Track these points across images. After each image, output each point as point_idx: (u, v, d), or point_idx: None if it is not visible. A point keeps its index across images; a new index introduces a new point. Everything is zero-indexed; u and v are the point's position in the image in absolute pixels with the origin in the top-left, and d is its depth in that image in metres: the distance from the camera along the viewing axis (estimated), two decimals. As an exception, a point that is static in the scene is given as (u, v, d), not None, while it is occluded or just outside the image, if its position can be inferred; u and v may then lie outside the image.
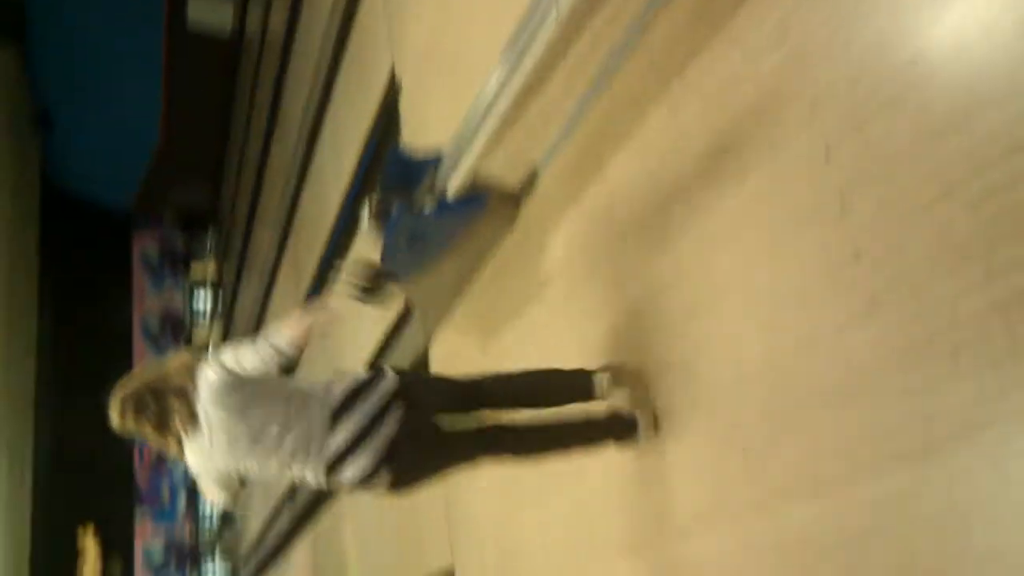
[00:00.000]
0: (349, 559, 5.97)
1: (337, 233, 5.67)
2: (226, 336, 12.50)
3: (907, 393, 1.55)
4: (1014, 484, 1.37)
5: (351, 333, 5.47)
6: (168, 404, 2.26)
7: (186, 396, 2.25)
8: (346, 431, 2.18)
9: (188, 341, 13.81)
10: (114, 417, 2.31)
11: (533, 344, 3.05)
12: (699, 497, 2.13)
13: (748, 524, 1.95)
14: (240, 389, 2.23)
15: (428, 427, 2.28)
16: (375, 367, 2.83)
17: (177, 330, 13.81)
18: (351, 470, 2.19)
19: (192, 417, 2.24)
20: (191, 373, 2.27)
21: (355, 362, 5.19)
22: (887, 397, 1.60)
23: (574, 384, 2.41)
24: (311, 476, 2.25)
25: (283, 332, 2.31)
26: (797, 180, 1.80)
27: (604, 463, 2.54)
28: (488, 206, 2.96)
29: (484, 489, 3.46)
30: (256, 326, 9.68)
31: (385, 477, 2.20)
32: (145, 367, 2.47)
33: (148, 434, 2.31)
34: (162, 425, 2.28)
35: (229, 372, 2.23)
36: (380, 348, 4.74)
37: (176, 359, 2.38)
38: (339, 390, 2.22)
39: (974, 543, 1.45)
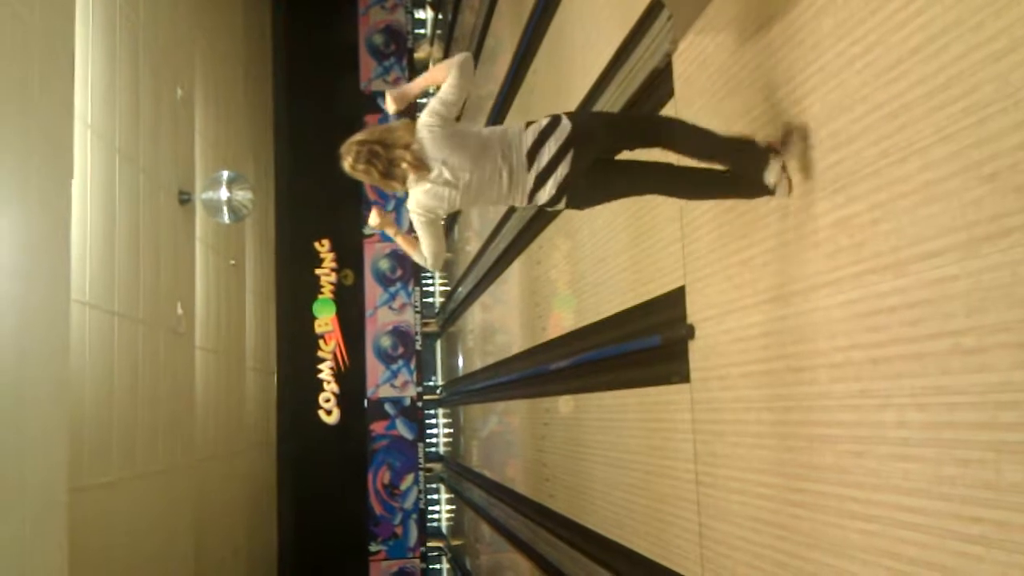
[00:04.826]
0: (560, 280, 6.16)
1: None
2: (446, 55, 12.54)
3: None
4: None
5: (585, 37, 5.27)
6: (395, 155, 2.84)
7: (410, 147, 2.83)
8: (536, 169, 2.83)
9: (411, 57, 14.00)
10: (346, 162, 2.90)
11: (799, 46, 2.76)
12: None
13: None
14: (451, 126, 2.86)
15: (594, 163, 2.85)
16: (554, 116, 2.89)
17: (400, 45, 14.00)
18: (542, 196, 2.88)
19: (419, 163, 2.84)
20: (412, 131, 2.85)
21: (588, 69, 5.02)
22: None
23: (744, 155, 2.84)
24: (517, 200, 2.94)
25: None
26: None
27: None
28: None
29: (717, 206, 3.36)
30: (478, 45, 9.60)
31: (565, 201, 2.90)
32: (372, 127, 3.00)
33: (375, 178, 2.90)
34: (388, 173, 2.87)
35: (441, 115, 2.85)
36: (618, 53, 4.51)
37: (400, 123, 2.91)
38: (530, 139, 2.85)
39: None
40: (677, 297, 3.82)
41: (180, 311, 7.45)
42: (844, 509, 2.51)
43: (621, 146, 2.99)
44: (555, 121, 2.86)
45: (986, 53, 1.95)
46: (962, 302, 2.02)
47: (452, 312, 12.71)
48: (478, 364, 10.60)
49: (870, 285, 2.39)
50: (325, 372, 12.84)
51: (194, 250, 8.01)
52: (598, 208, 3.12)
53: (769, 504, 2.98)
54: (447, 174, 2.86)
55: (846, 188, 2.51)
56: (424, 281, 14.11)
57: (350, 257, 13.29)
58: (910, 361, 2.20)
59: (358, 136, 2.91)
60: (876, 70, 2.36)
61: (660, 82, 3.99)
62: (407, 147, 2.83)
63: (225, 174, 8.02)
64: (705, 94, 3.48)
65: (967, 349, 2.00)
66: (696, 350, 3.63)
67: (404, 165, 2.84)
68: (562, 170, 2.81)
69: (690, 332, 3.67)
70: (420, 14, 14.42)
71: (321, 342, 12.87)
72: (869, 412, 2.38)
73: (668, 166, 3.07)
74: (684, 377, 3.72)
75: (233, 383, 9.94)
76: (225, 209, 7.89)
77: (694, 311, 3.66)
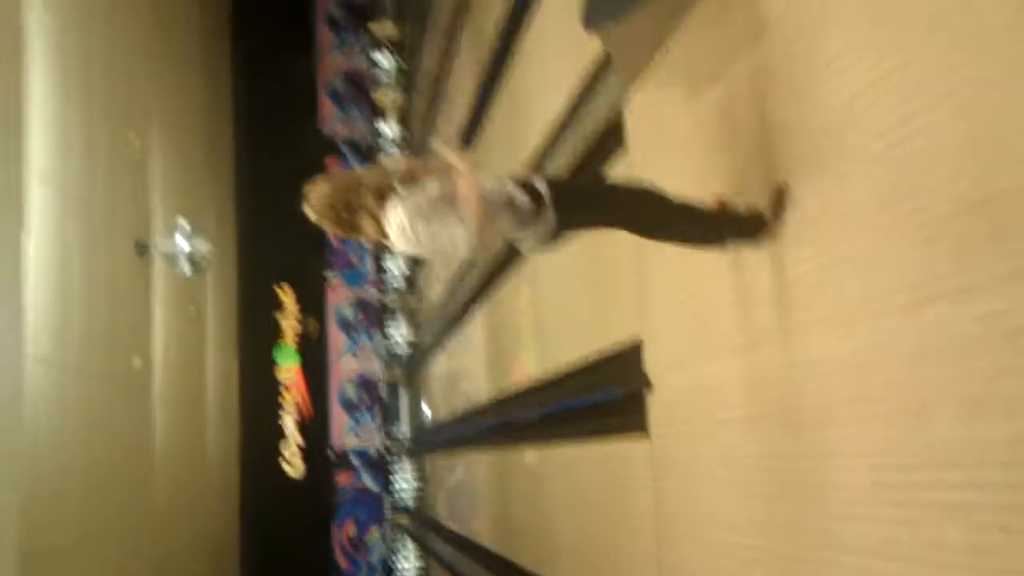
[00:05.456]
0: (523, 327, 6.15)
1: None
2: (407, 99, 12.61)
3: None
4: None
5: (541, 87, 5.32)
6: (359, 218, 2.71)
7: (376, 217, 2.68)
8: (512, 241, 2.78)
9: (371, 101, 13.97)
10: (310, 213, 2.76)
11: (740, 104, 2.80)
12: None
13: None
14: (421, 223, 2.63)
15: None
16: (535, 194, 2.64)
17: (361, 90, 14.00)
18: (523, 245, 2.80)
19: (381, 232, 2.71)
20: (383, 183, 2.70)
21: (544, 119, 5.05)
22: None
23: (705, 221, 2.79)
24: None
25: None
26: None
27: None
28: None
29: (671, 260, 3.36)
30: (435, 89, 9.66)
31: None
32: (341, 175, 2.97)
33: (337, 232, 2.83)
34: (352, 231, 2.77)
35: (424, 216, 2.62)
36: (573, 104, 4.56)
37: (371, 175, 2.77)
38: (508, 225, 2.66)
39: None
40: (635, 349, 3.81)
41: (138, 364, 7.32)
42: (799, 568, 2.49)
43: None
44: (538, 209, 2.65)
45: (919, 116, 1.99)
46: (906, 360, 2.03)
47: (417, 360, 12.62)
48: (444, 414, 10.51)
49: (820, 341, 2.40)
50: (288, 424, 12.65)
51: (152, 300, 7.90)
52: (559, 261, 3.12)
53: (727, 562, 2.95)
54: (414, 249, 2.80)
55: (796, 244, 2.53)
56: (388, 329, 14.00)
57: (312, 303, 13.17)
58: (858, 420, 2.21)
59: (325, 186, 2.76)
60: (820, 130, 2.40)
61: (612, 135, 4.02)
62: (376, 206, 2.69)
63: (183, 224, 7.95)
64: (655, 148, 3.51)
65: (912, 409, 2.01)
66: (654, 403, 3.62)
67: (370, 227, 2.74)
68: (535, 246, 2.81)
69: (648, 385, 3.66)
70: (380, 59, 14.48)
71: (284, 391, 12.70)
72: (821, 472, 2.38)
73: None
74: (643, 430, 3.70)
75: (194, 435, 9.76)
76: (183, 260, 7.82)
77: (652, 364, 3.65)
